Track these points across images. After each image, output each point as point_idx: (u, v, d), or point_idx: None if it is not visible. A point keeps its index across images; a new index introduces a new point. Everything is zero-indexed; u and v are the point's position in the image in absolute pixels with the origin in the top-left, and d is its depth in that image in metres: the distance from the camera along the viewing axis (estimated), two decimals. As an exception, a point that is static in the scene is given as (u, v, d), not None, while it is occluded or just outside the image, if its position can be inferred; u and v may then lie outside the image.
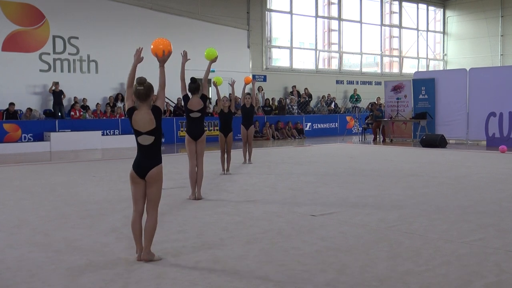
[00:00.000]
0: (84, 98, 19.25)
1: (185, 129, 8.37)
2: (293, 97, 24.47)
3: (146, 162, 4.69)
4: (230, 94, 11.21)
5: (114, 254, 4.89)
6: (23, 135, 17.04)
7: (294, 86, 24.83)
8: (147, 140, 4.69)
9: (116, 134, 18.61)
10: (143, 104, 4.67)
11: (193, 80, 7.94)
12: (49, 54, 19.11)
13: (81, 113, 18.71)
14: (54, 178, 10.13)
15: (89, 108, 19.18)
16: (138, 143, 4.74)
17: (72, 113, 18.58)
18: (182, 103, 8.46)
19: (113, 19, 20.38)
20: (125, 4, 20.62)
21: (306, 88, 25.36)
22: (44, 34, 19.00)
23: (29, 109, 18.01)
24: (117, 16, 20.48)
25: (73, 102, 18.96)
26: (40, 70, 18.93)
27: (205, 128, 8.06)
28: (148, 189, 4.72)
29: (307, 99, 25.08)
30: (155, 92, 4.81)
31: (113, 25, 20.32)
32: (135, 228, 4.73)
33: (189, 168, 7.87)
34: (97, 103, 19.49)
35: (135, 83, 4.69)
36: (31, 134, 17.19)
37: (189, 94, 7.94)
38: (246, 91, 12.58)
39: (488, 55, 29.77)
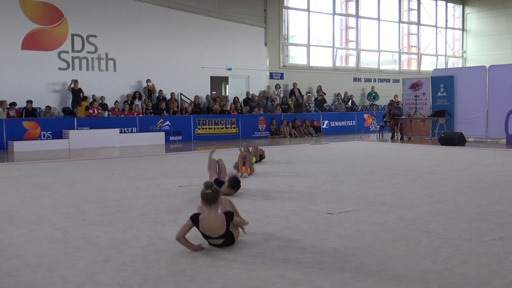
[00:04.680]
0: (102, 96, 19.40)
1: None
2: (310, 94, 24.39)
3: None
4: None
5: (132, 251, 4.92)
6: (42, 132, 17.23)
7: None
8: (217, 242, 4.94)
9: (134, 132, 18.72)
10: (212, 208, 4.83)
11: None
12: (67, 52, 19.30)
13: (99, 111, 18.86)
14: (73, 175, 10.22)
15: (107, 106, 19.32)
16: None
17: (90, 111, 18.74)
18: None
19: (131, 18, 20.51)
20: (143, 2, 20.74)
21: (319, 86, 25.24)
22: (62, 32, 19.19)
23: (48, 107, 18.22)
24: (135, 14, 20.61)
25: (91, 100, 19.12)
26: (59, 68, 19.13)
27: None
28: None
29: (323, 96, 24.98)
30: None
31: (131, 23, 20.45)
32: None
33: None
34: (115, 101, 19.63)
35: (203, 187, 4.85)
36: (50, 132, 17.37)
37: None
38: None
39: (509, 52, 29.36)
